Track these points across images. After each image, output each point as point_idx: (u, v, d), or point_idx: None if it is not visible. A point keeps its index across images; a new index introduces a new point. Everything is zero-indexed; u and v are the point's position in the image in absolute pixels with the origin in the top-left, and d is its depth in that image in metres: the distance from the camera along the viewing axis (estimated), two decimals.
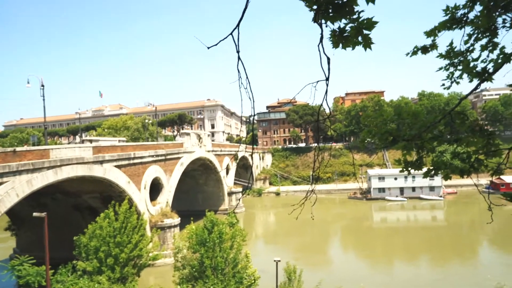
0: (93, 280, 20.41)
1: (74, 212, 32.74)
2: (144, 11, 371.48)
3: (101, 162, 27.38)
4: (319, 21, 2.98)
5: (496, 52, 4.23)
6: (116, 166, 29.25)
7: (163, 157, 37.89)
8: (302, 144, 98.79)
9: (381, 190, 67.41)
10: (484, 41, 4.34)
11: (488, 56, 4.31)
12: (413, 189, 66.16)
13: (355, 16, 2.94)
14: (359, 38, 3.07)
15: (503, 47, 4.14)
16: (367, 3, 2.83)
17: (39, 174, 21.55)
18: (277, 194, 77.84)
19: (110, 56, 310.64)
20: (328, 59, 3.28)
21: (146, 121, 75.73)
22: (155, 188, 36.92)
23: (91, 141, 30.90)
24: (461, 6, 4.19)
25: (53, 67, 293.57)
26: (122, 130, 77.75)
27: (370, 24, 2.98)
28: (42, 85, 33.48)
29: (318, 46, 3.17)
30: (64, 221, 32.23)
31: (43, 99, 33.93)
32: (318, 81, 3.48)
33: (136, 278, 22.94)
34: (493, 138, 4.09)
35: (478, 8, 4.06)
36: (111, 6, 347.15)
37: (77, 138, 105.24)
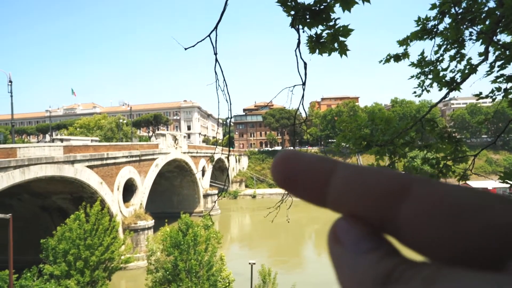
0: (61, 285, 19.62)
1: (42, 213, 31.45)
2: (119, 9, 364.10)
3: (72, 162, 26.48)
4: (297, 26, 3.02)
5: (464, 63, 4.43)
6: (88, 167, 28.37)
7: (137, 158, 37.10)
8: (279, 147, 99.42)
9: None
10: (452, 52, 4.54)
11: (456, 66, 4.52)
12: None
13: (331, 23, 3.00)
14: (335, 45, 3.13)
15: (470, 59, 4.35)
16: (344, 11, 2.90)
17: (5, 173, 20.58)
18: (253, 196, 77.87)
19: (84, 54, 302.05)
20: (305, 64, 3.33)
21: (121, 121, 73.98)
22: (129, 190, 36.08)
23: (62, 140, 29.89)
24: (431, 18, 4.37)
25: (23, 63, 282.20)
26: (95, 130, 75.57)
27: (346, 31, 3.05)
28: (10, 81, 32.10)
29: (295, 51, 3.22)
30: (31, 223, 30.92)
31: (11, 96, 32.53)
32: (295, 85, 3.52)
33: (107, 282, 22.28)
34: (460, 145, 4.27)
35: (447, 20, 4.25)
36: (84, 3, 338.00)
37: (47, 137, 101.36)
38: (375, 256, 0.29)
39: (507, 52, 3.94)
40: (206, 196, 59.70)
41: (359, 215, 0.32)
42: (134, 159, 36.34)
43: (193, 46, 3.30)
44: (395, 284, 0.26)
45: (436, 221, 0.28)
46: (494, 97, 4.52)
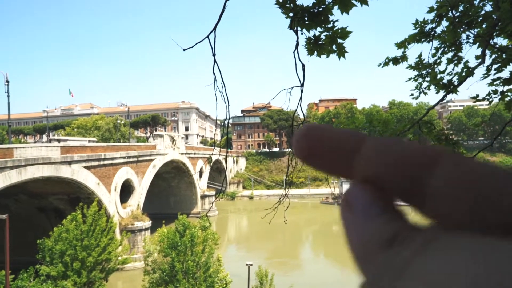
0: (58, 285, 19.55)
1: (39, 214, 31.32)
2: (118, 9, 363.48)
3: (70, 163, 26.40)
4: (295, 28, 3.03)
5: (461, 65, 4.46)
6: (85, 167, 28.29)
7: (135, 159, 37.02)
8: (276, 149, 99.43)
9: None
10: (450, 55, 4.57)
11: (453, 69, 4.54)
12: None
13: (330, 25, 3.01)
14: (333, 47, 3.15)
15: (467, 62, 4.38)
16: (342, 13, 2.91)
17: (1, 174, 20.49)
18: (251, 198, 77.83)
19: (82, 55, 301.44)
20: (303, 65, 3.35)
21: (118, 121, 73.84)
22: (126, 190, 35.99)
23: (59, 140, 29.81)
24: (429, 21, 4.39)
25: (21, 63, 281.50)
26: (93, 130, 75.34)
27: (344, 33, 3.06)
28: (7, 81, 32.02)
29: (294, 52, 3.24)
30: (27, 224, 30.79)
31: (8, 96, 32.43)
32: (293, 87, 3.54)
33: (103, 282, 22.21)
34: (457, 147, 4.29)
35: (444, 23, 4.28)
36: (82, 3, 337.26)
37: (44, 137, 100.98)
38: (383, 220, 0.31)
39: (504, 55, 3.97)
40: (203, 197, 59.60)
41: (386, 183, 0.32)
42: (131, 160, 36.27)
43: (191, 47, 3.31)
44: (399, 247, 0.28)
45: (466, 192, 0.28)
46: (490, 99, 4.55)
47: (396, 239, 0.29)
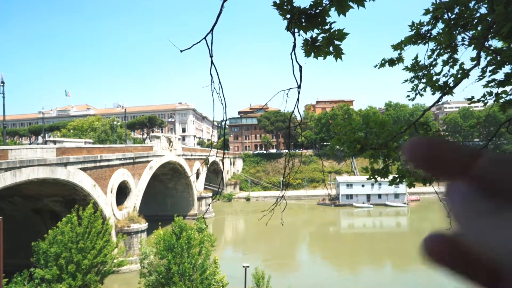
0: None
1: (34, 216, 31.09)
2: (115, 10, 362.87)
3: (65, 164, 26.25)
4: (292, 30, 3.04)
5: (456, 67, 4.48)
6: (81, 169, 28.13)
7: (131, 160, 36.88)
8: (273, 150, 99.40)
9: (349, 196, 68.99)
10: (445, 56, 4.60)
11: (449, 71, 4.57)
12: (379, 196, 68.20)
13: (327, 27, 3.02)
14: (330, 48, 3.15)
15: (462, 63, 4.40)
16: (339, 15, 2.92)
17: None
18: (248, 199, 77.71)
19: (78, 55, 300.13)
20: (300, 67, 3.35)
21: (115, 122, 73.55)
22: (123, 192, 35.82)
23: (54, 142, 29.65)
24: (425, 23, 4.42)
25: (16, 63, 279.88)
26: (89, 132, 75.05)
27: (341, 35, 3.07)
28: (2, 82, 31.82)
29: (291, 54, 3.24)
30: (22, 226, 30.55)
31: (3, 97, 32.22)
32: (290, 88, 3.54)
33: (99, 285, 22.06)
34: None
35: (440, 25, 4.31)
36: (79, 3, 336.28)
37: (40, 139, 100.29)
38: (484, 200, 0.38)
39: (498, 57, 4.00)
40: (200, 199, 59.44)
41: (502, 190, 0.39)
42: (128, 161, 36.12)
43: (188, 48, 3.31)
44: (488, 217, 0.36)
45: None
46: (485, 101, 4.58)
47: (495, 210, 0.36)
